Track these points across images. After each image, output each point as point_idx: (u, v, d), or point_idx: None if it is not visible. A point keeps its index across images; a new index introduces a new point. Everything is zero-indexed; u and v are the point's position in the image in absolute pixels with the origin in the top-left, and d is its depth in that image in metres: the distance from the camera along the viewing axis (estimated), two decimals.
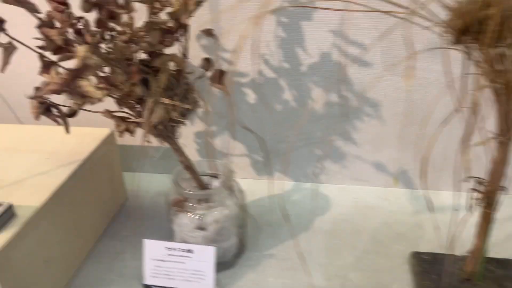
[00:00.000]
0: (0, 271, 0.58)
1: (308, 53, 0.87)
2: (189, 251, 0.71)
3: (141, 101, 0.69)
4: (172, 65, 0.69)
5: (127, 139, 0.94)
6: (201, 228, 0.74)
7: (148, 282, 0.73)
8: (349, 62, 0.86)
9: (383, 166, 0.98)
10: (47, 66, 0.67)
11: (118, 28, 0.57)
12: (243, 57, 0.72)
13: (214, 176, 0.79)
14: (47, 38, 0.54)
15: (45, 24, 0.53)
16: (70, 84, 0.35)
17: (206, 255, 0.71)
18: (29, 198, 0.68)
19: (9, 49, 0.65)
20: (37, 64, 0.63)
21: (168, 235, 0.87)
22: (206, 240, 0.74)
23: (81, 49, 0.46)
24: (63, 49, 0.58)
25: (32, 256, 0.65)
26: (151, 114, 0.67)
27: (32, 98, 0.66)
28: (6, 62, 0.66)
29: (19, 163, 0.78)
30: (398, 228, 0.88)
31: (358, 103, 0.90)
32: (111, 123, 0.95)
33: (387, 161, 0.97)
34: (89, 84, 0.48)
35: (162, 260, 0.72)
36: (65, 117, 0.71)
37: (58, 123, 0.70)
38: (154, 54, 0.63)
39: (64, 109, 0.69)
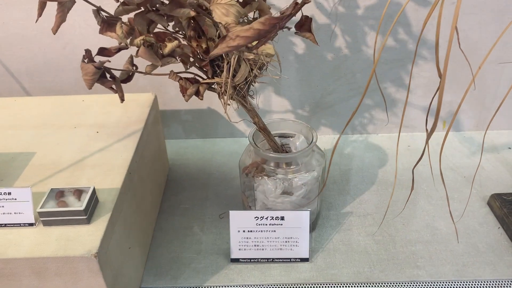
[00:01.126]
0: (102, 264, 0.50)
1: None
2: (281, 218, 0.66)
3: (216, 59, 0.61)
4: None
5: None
6: (287, 192, 0.68)
7: (236, 255, 0.68)
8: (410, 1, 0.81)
9: (433, 111, 0.95)
10: (110, 24, 0.57)
11: None
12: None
13: (286, 137, 0.73)
14: None
15: None
16: (264, 36, 0.27)
17: (300, 221, 0.66)
18: (103, 180, 0.59)
19: (67, 3, 0.54)
20: (42, 26, 0.52)
21: (231, 203, 0.81)
22: (293, 205, 0.68)
23: None
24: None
25: (120, 242, 0.57)
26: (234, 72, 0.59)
27: (91, 62, 0.56)
28: (63, 19, 0.55)
29: (69, 141, 0.68)
30: (462, 171, 0.86)
31: (414, 45, 0.85)
32: (140, 87, 0.86)
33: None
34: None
35: (251, 231, 0.67)
36: (120, 84, 0.62)
37: (114, 91, 0.61)
38: (244, 2, 0.54)
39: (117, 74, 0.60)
